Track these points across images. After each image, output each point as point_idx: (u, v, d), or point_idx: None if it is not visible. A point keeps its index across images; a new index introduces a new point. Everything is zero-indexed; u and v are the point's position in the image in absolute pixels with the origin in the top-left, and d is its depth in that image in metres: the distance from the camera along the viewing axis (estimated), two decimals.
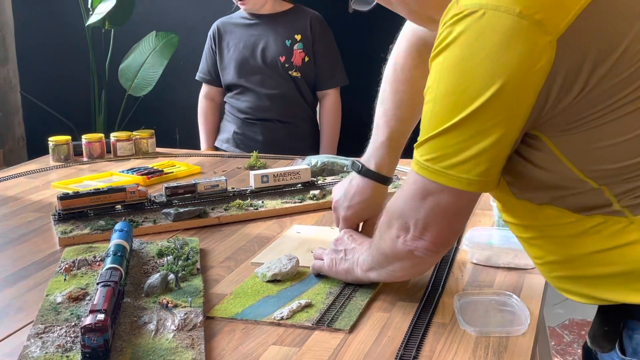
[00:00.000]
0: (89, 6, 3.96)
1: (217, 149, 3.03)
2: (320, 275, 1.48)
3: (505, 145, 1.03)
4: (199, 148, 3.09)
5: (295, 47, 2.94)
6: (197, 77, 3.10)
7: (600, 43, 0.96)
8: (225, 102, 3.08)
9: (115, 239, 1.48)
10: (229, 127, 3.04)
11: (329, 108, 3.07)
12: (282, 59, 2.92)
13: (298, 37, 2.94)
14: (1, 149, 4.54)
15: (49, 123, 4.26)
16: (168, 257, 1.47)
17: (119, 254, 1.40)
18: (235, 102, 2.99)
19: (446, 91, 1.03)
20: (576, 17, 0.95)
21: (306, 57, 2.94)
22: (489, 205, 1.84)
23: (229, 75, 2.98)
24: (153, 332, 1.24)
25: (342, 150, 2.99)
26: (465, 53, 1.00)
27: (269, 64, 2.92)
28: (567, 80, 0.97)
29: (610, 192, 1.03)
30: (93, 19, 3.90)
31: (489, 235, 1.64)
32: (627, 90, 0.98)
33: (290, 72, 2.94)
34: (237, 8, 3.02)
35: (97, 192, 1.84)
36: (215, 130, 3.09)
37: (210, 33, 3.03)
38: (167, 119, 4.33)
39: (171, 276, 1.41)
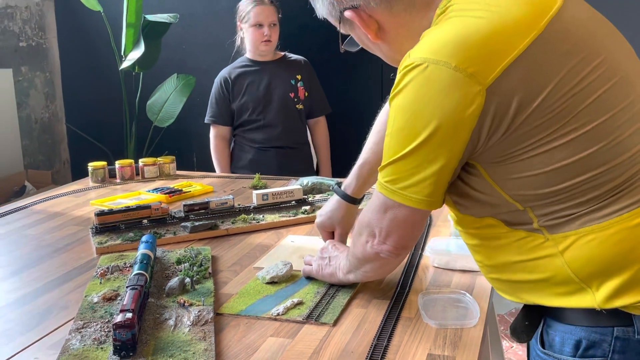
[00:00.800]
0: (122, 53, 3.97)
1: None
2: (310, 278, 1.48)
3: (446, 172, 1.04)
4: (213, 170, 3.07)
5: (298, 84, 2.96)
6: (206, 121, 3.02)
7: (525, 90, 0.96)
8: (236, 134, 3.03)
9: (142, 249, 1.48)
10: (244, 156, 3.00)
11: (322, 131, 3.09)
12: (292, 95, 2.93)
13: (299, 76, 2.96)
14: (50, 171, 4.53)
15: (88, 149, 4.26)
16: (185, 264, 1.47)
17: (144, 262, 1.40)
18: (250, 134, 2.96)
19: (399, 127, 1.04)
20: (503, 70, 0.95)
21: (306, 92, 2.96)
22: (448, 219, 1.85)
23: (246, 113, 2.93)
24: (172, 327, 1.24)
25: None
26: (413, 98, 1.01)
27: (282, 100, 2.92)
28: (495, 122, 0.98)
29: (532, 213, 1.04)
30: (125, 64, 3.91)
31: (447, 243, 1.64)
32: (549, 130, 0.98)
33: (297, 106, 2.95)
34: (236, 57, 3.02)
35: (127, 210, 1.84)
36: (228, 162, 3.04)
37: (219, 82, 2.97)
38: (186, 145, 4.33)
39: (187, 280, 1.41)
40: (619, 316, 1.02)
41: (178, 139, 4.28)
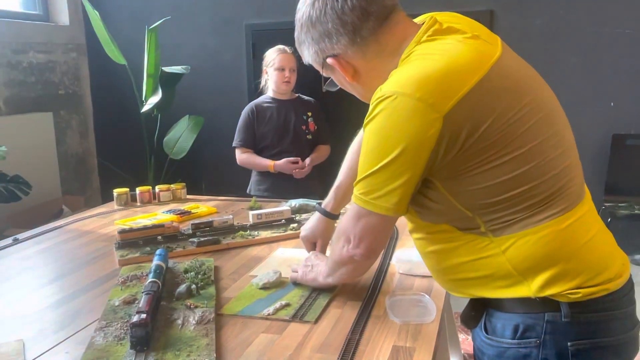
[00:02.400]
0: (143, 99, 3.97)
1: (258, 196, 2.83)
2: (296, 283, 1.47)
3: (410, 185, 1.05)
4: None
5: (309, 120, 2.98)
6: (234, 145, 2.98)
7: (473, 119, 0.99)
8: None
9: (156, 261, 1.47)
10: (265, 180, 2.97)
11: (321, 151, 3.04)
12: (304, 127, 2.96)
13: (310, 113, 2.99)
14: (83, 196, 4.50)
15: (115, 178, 4.23)
16: (191, 273, 1.46)
17: (157, 272, 1.39)
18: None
19: (371, 148, 1.05)
20: (457, 102, 0.97)
21: (315, 126, 2.98)
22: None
23: (267, 140, 2.93)
24: (180, 326, 1.23)
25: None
26: (383, 123, 1.02)
27: (297, 131, 2.94)
28: (450, 144, 1.00)
29: (480, 219, 1.06)
30: (146, 107, 3.91)
31: (411, 253, 1.63)
32: (492, 151, 1.00)
33: (307, 136, 2.98)
34: (260, 93, 3.05)
35: (145, 228, 1.82)
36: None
37: (247, 112, 2.96)
38: (197, 174, 4.32)
39: (193, 286, 1.40)
40: (549, 303, 1.05)
41: (190, 169, 4.27)
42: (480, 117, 0.99)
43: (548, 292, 1.04)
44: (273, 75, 2.91)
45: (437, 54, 1.04)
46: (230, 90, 4.36)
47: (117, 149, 4.61)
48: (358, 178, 1.10)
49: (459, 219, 1.08)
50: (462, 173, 1.03)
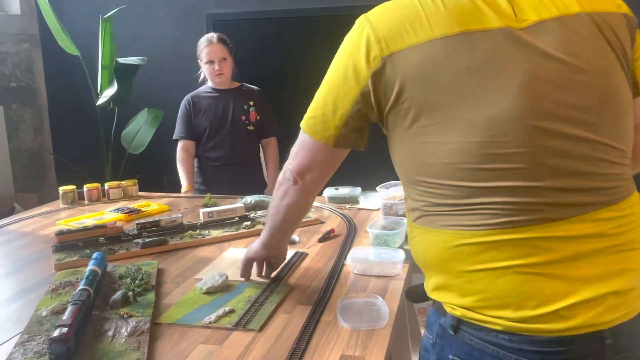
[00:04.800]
0: (99, 91, 3.81)
1: (196, 190, 2.83)
2: (247, 281, 1.40)
3: (339, 115, 1.01)
4: (180, 190, 2.91)
5: (251, 109, 2.86)
6: (175, 137, 2.89)
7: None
8: (198, 154, 2.89)
9: (90, 266, 1.36)
10: (204, 174, 2.87)
11: (272, 150, 2.95)
12: (244, 118, 2.83)
13: (251, 102, 2.86)
14: (37, 194, 4.31)
15: (72, 174, 4.06)
16: (127, 279, 1.36)
17: (90, 278, 1.28)
18: (209, 153, 2.83)
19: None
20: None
21: (257, 116, 2.86)
22: (366, 229, 1.77)
23: (204, 131, 2.81)
24: (110, 338, 1.12)
25: None
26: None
27: (235, 121, 2.81)
28: (386, 95, 0.95)
29: (410, 199, 1.00)
30: (101, 100, 3.75)
31: (367, 252, 1.56)
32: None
33: (248, 127, 2.84)
34: (202, 84, 2.93)
35: (85, 229, 1.71)
36: (192, 173, 2.88)
37: (185, 103, 2.87)
38: (157, 169, 4.17)
39: (130, 293, 1.29)
40: (440, 308, 0.98)
41: (150, 164, 4.12)
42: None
43: (435, 296, 0.98)
44: (205, 68, 2.80)
45: None
46: (190, 82, 4.18)
47: (74, 144, 4.43)
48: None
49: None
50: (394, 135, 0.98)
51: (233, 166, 2.82)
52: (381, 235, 1.65)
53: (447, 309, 0.94)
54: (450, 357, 0.94)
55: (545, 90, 0.87)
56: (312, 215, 2.02)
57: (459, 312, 0.92)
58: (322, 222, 1.98)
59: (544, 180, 0.86)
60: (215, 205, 2.20)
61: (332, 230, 1.84)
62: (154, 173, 4.01)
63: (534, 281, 0.85)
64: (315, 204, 2.24)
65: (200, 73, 2.91)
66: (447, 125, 0.89)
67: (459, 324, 0.93)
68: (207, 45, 2.75)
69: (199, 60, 2.84)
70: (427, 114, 0.90)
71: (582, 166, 0.87)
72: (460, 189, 0.89)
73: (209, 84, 2.89)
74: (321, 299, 1.32)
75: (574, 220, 0.86)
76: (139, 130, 3.94)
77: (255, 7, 4.05)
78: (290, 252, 1.63)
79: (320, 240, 1.77)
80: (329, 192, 2.27)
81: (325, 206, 2.19)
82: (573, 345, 0.84)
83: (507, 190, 0.87)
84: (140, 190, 2.52)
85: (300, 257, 1.61)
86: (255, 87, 2.95)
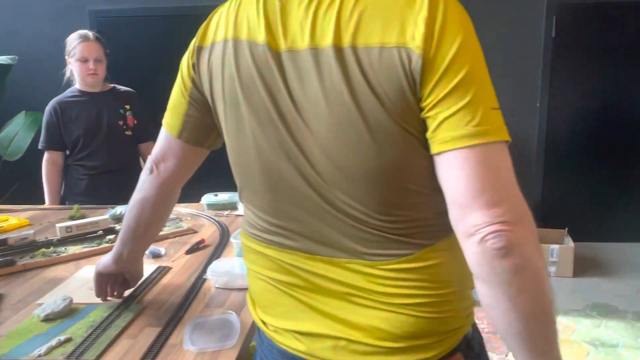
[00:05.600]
0: None
1: (72, 202, 2.58)
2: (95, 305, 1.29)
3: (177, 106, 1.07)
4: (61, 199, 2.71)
5: (127, 113, 2.69)
6: (40, 147, 2.66)
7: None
8: (70, 164, 2.67)
9: None
10: (80, 183, 2.65)
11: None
12: (121, 122, 2.66)
13: (127, 106, 2.69)
14: None
15: None
16: None
17: None
18: (83, 162, 2.63)
19: None
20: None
21: (135, 120, 2.70)
22: (230, 241, 1.71)
23: (78, 140, 2.61)
24: None
25: None
26: None
27: (112, 127, 2.62)
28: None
29: None
30: None
31: (232, 265, 1.49)
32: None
33: (126, 132, 2.68)
34: (67, 84, 2.72)
35: None
36: (58, 189, 2.68)
37: (50, 110, 2.64)
38: (37, 177, 3.89)
39: None
40: None
41: (28, 171, 3.83)
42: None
43: None
44: (76, 67, 2.59)
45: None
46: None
47: None
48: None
49: None
50: None
51: (112, 174, 2.65)
52: None
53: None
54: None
55: None
56: (184, 224, 1.93)
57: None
58: (195, 232, 1.89)
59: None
60: (83, 217, 2.06)
61: (202, 241, 1.75)
62: (33, 182, 3.74)
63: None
64: (190, 211, 2.15)
65: (65, 71, 2.69)
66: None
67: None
68: (82, 42, 2.54)
69: (67, 57, 2.62)
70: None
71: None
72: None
73: (77, 85, 2.68)
74: (172, 319, 1.24)
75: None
76: (16, 135, 3.67)
77: (142, 3, 3.88)
78: (151, 267, 1.54)
79: (188, 252, 1.68)
80: (208, 198, 2.19)
81: (202, 214, 2.11)
82: None
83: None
84: (16, 202, 2.32)
85: (161, 271, 1.52)
86: (130, 89, 2.77)
